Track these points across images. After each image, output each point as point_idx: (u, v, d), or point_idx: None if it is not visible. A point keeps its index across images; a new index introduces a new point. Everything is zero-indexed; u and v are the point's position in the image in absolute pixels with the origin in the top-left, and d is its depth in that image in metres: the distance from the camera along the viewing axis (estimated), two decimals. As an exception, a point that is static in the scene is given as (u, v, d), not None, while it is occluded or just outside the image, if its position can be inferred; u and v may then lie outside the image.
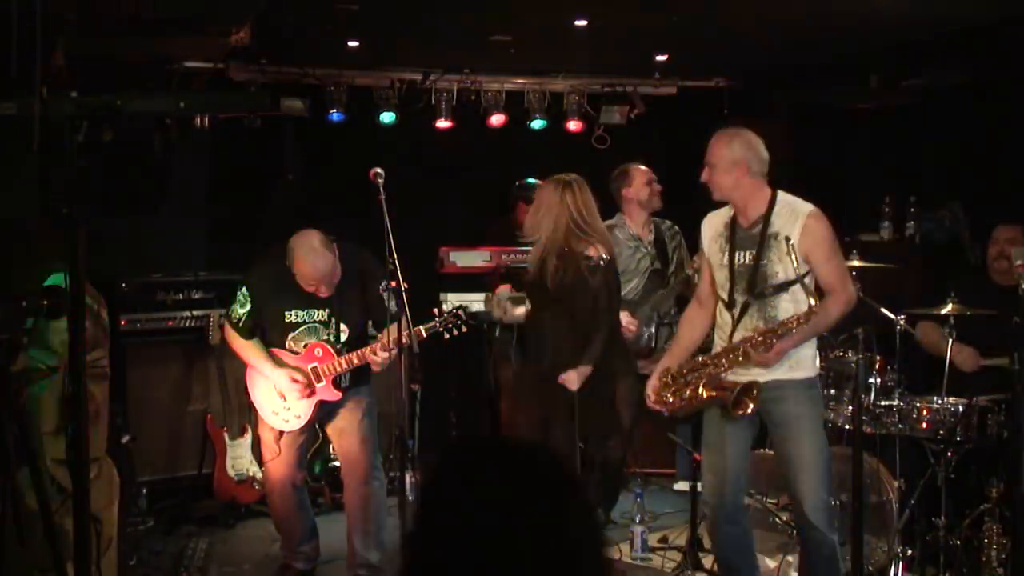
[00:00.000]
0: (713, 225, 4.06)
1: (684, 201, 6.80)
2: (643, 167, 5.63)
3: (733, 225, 3.95)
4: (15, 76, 2.65)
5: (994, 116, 5.86)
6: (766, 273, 3.82)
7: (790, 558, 4.50)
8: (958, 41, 5.40)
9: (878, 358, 4.68)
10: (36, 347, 3.26)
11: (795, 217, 3.80)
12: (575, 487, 1.43)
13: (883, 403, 4.59)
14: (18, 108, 2.40)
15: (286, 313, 4.57)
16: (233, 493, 5.70)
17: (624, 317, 5.39)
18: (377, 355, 4.47)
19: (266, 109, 6.02)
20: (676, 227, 5.73)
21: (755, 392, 3.78)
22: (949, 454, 4.43)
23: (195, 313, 5.91)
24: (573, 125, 6.91)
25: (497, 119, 6.75)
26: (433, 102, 6.70)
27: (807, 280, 3.79)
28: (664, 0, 4.90)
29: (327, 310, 4.58)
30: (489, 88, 6.75)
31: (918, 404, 4.52)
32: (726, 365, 3.84)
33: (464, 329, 4.61)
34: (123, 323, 5.66)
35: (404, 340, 4.22)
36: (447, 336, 4.60)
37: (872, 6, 4.91)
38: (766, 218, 3.84)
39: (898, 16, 5.08)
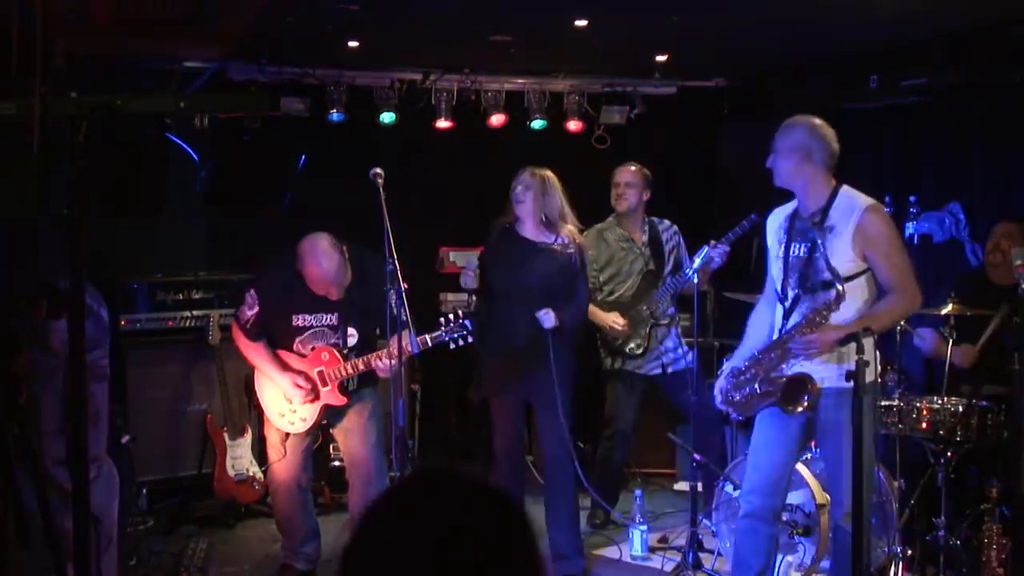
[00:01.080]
0: (776, 218, 4.00)
1: (684, 201, 6.82)
2: (622, 167, 5.60)
3: (794, 217, 3.89)
4: (15, 76, 2.65)
5: (994, 116, 5.86)
6: (817, 266, 3.72)
7: (790, 558, 4.50)
8: (958, 41, 5.40)
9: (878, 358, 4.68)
10: (36, 347, 3.27)
11: (852, 211, 3.70)
12: (523, 533, 1.37)
13: (883, 403, 4.59)
14: (18, 108, 2.40)
15: (294, 316, 4.58)
16: (233, 493, 5.70)
17: (612, 316, 5.39)
18: (382, 361, 4.47)
19: (266, 109, 6.01)
20: (675, 228, 5.71)
21: (808, 385, 3.68)
22: (949, 454, 4.43)
23: (195, 313, 5.91)
24: (573, 125, 6.91)
25: (497, 119, 6.75)
26: (433, 102, 6.70)
27: (862, 278, 3.69)
28: (664, 0, 4.90)
29: (335, 314, 4.58)
30: (489, 88, 6.75)
31: (918, 404, 4.52)
32: (775, 360, 3.79)
33: (470, 340, 4.59)
34: (123, 323, 5.66)
35: (405, 347, 4.24)
36: (452, 346, 4.60)
37: (872, 6, 4.91)
38: (824, 210, 3.76)
39: (898, 16, 5.08)
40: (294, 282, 4.52)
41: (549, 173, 4.89)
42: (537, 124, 6.83)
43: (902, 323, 4.76)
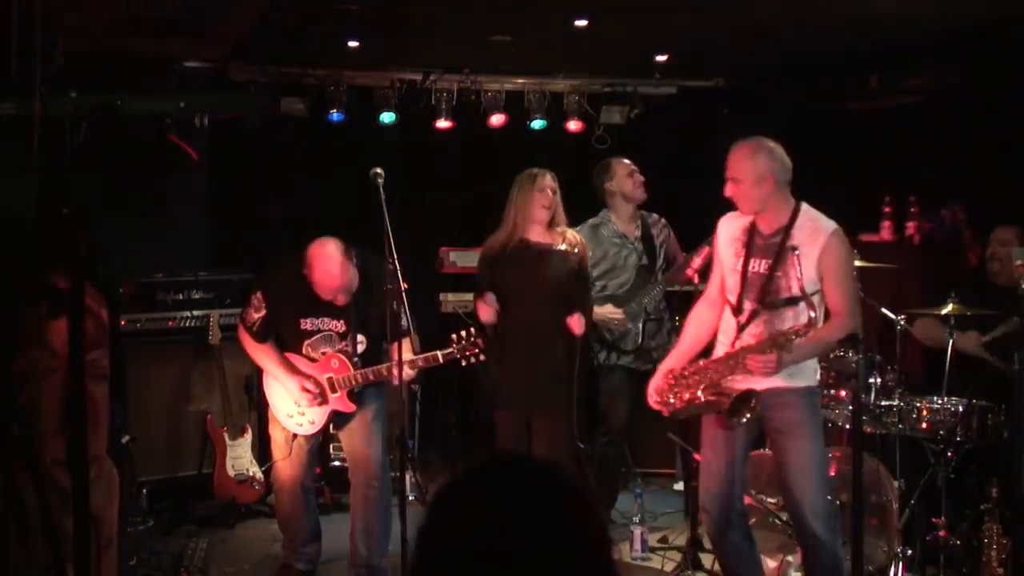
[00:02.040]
0: (731, 227, 3.97)
1: (684, 201, 6.82)
2: (624, 160, 5.59)
3: (752, 231, 3.88)
4: (15, 76, 2.65)
5: (994, 116, 5.85)
6: (779, 285, 3.76)
7: (790, 558, 4.50)
8: (958, 41, 5.40)
9: (878, 358, 4.69)
10: (36, 347, 3.26)
11: (817, 234, 3.73)
12: (591, 510, 1.42)
13: (883, 403, 4.59)
14: (18, 108, 2.40)
15: (301, 321, 4.57)
16: (233, 493, 5.70)
17: (607, 309, 5.38)
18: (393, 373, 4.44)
19: (266, 109, 6.02)
20: (663, 220, 5.68)
21: (752, 402, 3.75)
22: (949, 454, 4.43)
23: (195, 313, 5.91)
24: (573, 125, 6.91)
25: (497, 119, 6.75)
26: (433, 102, 6.69)
27: (816, 298, 3.71)
28: (664, 0, 4.90)
29: (343, 320, 4.58)
30: (489, 88, 6.75)
31: (918, 404, 4.53)
32: (725, 372, 3.81)
33: (483, 358, 4.58)
34: (123, 323, 5.66)
35: (406, 358, 4.29)
36: (464, 364, 4.58)
37: (872, 6, 4.90)
38: (787, 229, 3.77)
39: (898, 16, 5.08)
40: (301, 286, 4.51)
41: None
42: (537, 124, 6.83)
43: (901, 322, 4.77)
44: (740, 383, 3.80)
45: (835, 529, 3.87)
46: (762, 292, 3.79)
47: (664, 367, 4.04)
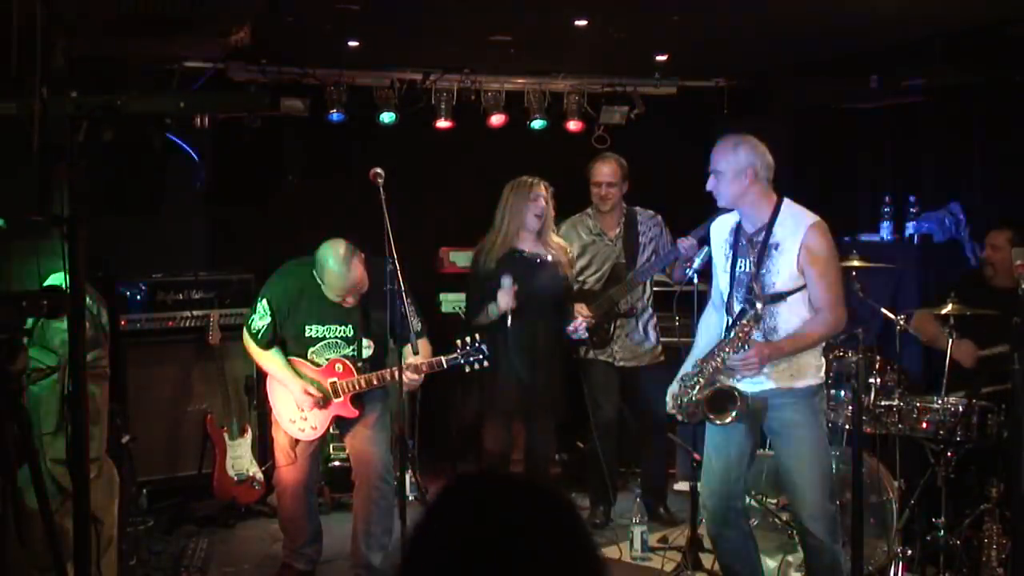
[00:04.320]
0: (720, 230, 4.04)
1: (683, 201, 6.81)
2: (609, 164, 5.58)
3: (738, 231, 3.93)
4: (15, 76, 2.65)
5: (994, 116, 5.86)
6: (764, 282, 3.78)
7: (790, 558, 4.50)
8: (958, 41, 5.40)
9: (878, 358, 4.69)
10: (36, 347, 3.27)
11: (797, 228, 3.75)
12: (579, 529, 1.40)
13: (883, 403, 4.59)
14: (18, 108, 2.40)
15: (307, 327, 4.57)
16: (233, 493, 5.70)
17: (578, 307, 5.39)
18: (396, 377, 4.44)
19: (266, 109, 6.01)
20: (659, 219, 5.67)
21: (738, 402, 3.76)
22: (949, 454, 4.43)
23: (195, 313, 5.90)
24: (573, 125, 6.91)
25: (497, 119, 6.74)
26: (433, 102, 6.69)
27: (803, 294, 3.74)
28: (664, 0, 4.90)
29: (350, 325, 4.58)
30: (489, 88, 6.74)
31: (918, 404, 4.53)
32: (711, 370, 3.83)
33: (486, 364, 4.59)
34: (123, 323, 5.66)
35: (413, 362, 4.34)
36: (468, 370, 4.59)
37: (872, 6, 4.90)
38: (769, 226, 3.80)
39: (898, 16, 5.08)
40: (308, 290, 4.51)
41: None
42: (537, 124, 6.83)
43: (902, 323, 4.77)
44: (742, 383, 3.81)
45: (835, 531, 3.87)
46: (749, 290, 3.81)
47: (680, 372, 4.05)
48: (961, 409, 4.42)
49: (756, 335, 3.78)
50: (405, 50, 6.18)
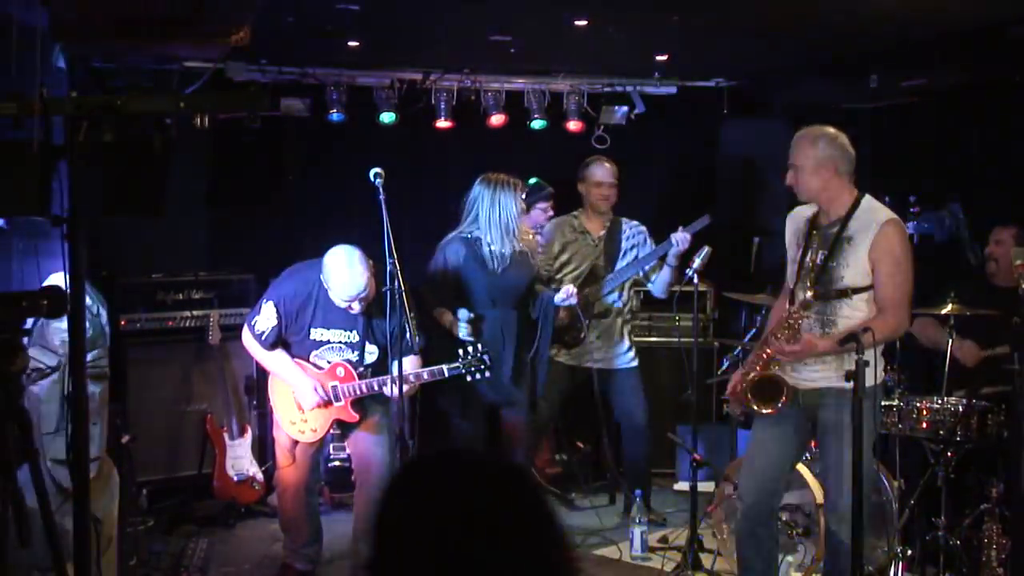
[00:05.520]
0: (796, 220, 4.01)
1: (683, 201, 6.82)
2: (603, 166, 5.63)
3: (813, 222, 3.90)
4: (15, 76, 2.65)
5: (994, 116, 5.85)
6: (832, 275, 3.75)
7: (790, 558, 4.50)
8: (958, 41, 5.40)
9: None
10: (36, 347, 3.27)
11: (872, 223, 3.71)
12: (538, 501, 1.43)
13: (883, 403, 4.58)
14: (18, 108, 2.40)
15: (313, 331, 4.57)
16: (233, 493, 5.70)
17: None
18: (394, 390, 4.43)
19: (266, 109, 6.01)
20: (644, 229, 5.72)
21: (781, 387, 3.74)
22: (949, 454, 4.43)
23: (195, 313, 5.90)
24: (573, 125, 6.90)
25: (497, 119, 6.74)
26: (433, 102, 6.69)
27: (870, 294, 3.70)
28: (664, 0, 4.89)
29: (355, 331, 4.57)
30: (489, 88, 6.74)
31: (918, 404, 4.53)
32: (764, 356, 3.83)
33: (488, 374, 4.60)
34: (123, 323, 5.66)
35: (413, 371, 4.40)
36: (469, 378, 4.59)
37: (872, 6, 4.90)
38: (844, 220, 3.76)
39: (898, 16, 5.07)
40: (315, 294, 4.51)
41: None
42: (537, 124, 6.82)
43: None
44: (787, 375, 3.80)
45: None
46: (816, 282, 3.77)
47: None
48: (961, 409, 4.42)
49: (815, 328, 3.76)
50: (405, 50, 6.18)
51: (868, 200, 3.81)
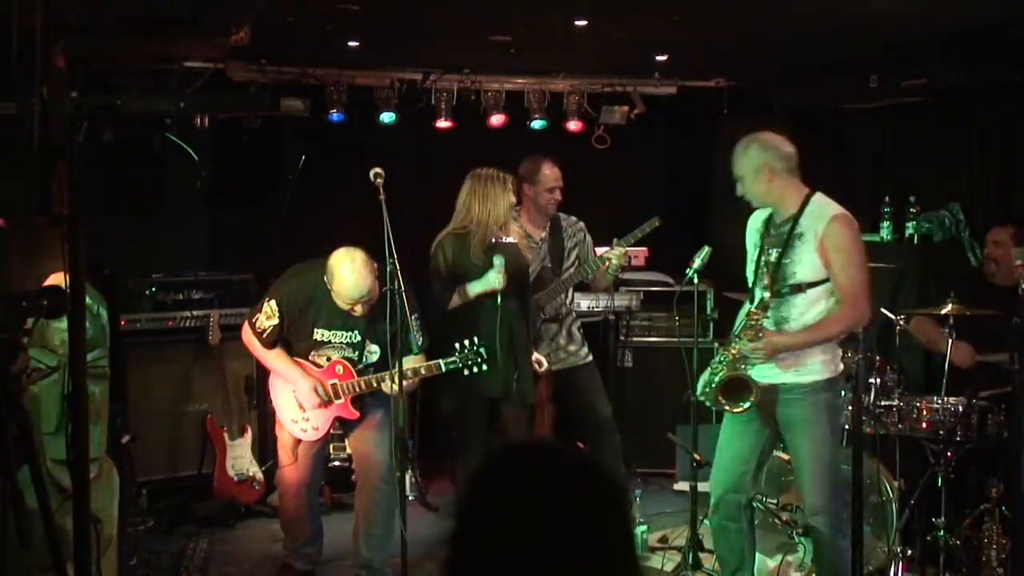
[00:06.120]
0: (753, 222, 4.09)
1: (683, 201, 6.82)
2: (554, 169, 5.47)
3: (768, 222, 3.97)
4: (15, 76, 2.64)
5: (995, 116, 5.85)
6: (786, 272, 3.81)
7: (790, 558, 4.50)
8: (958, 41, 5.40)
9: (878, 358, 4.69)
10: (36, 347, 3.26)
11: (822, 218, 3.77)
12: (616, 497, 1.47)
13: (883, 403, 4.59)
14: (18, 108, 2.40)
15: (315, 331, 4.57)
16: (233, 493, 5.70)
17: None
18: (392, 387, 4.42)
19: (266, 109, 6.02)
20: (581, 224, 5.61)
21: (752, 389, 3.79)
22: (949, 454, 4.43)
23: (195, 313, 5.91)
24: (573, 125, 6.90)
25: (497, 119, 6.74)
26: (433, 102, 6.69)
27: (825, 286, 3.76)
28: (664, 0, 4.89)
29: (357, 331, 4.58)
30: (489, 88, 6.74)
31: (918, 404, 4.53)
32: (730, 357, 3.87)
33: (484, 368, 4.58)
34: (123, 323, 5.66)
35: (411, 367, 4.38)
36: (467, 372, 4.58)
37: (872, 6, 4.90)
38: (796, 217, 3.83)
39: (898, 16, 5.07)
40: (318, 294, 4.51)
41: None
42: (537, 124, 6.82)
43: (901, 322, 4.77)
44: (755, 373, 3.85)
45: (840, 528, 3.87)
46: (772, 281, 3.82)
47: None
48: (961, 409, 4.42)
49: (769, 324, 3.80)
50: (405, 50, 6.18)
51: (819, 197, 3.87)
